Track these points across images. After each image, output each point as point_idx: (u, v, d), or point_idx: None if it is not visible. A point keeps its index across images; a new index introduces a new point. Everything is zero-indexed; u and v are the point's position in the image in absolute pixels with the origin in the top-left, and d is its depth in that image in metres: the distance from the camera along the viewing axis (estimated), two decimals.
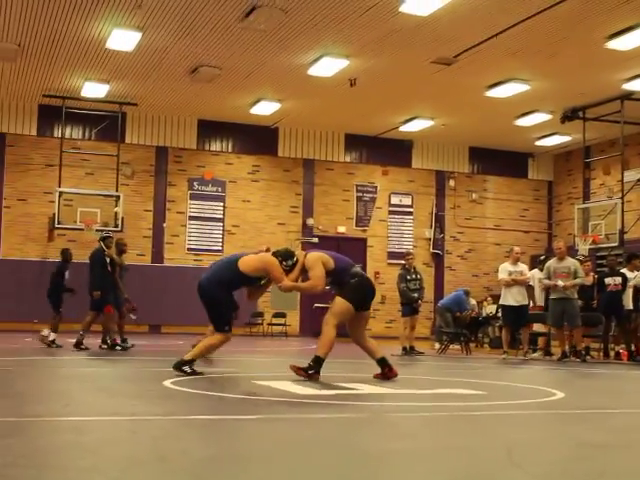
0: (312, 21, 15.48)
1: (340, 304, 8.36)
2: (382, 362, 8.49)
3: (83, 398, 6.53)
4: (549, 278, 14.27)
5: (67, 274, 14.44)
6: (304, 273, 8.53)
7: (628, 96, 19.01)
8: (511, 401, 7.18)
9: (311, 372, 8.07)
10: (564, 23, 15.30)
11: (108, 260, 13.68)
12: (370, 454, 4.13)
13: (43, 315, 20.94)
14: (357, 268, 8.67)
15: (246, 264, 8.48)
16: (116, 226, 21.41)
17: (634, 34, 15.53)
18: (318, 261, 8.41)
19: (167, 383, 7.33)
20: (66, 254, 14.59)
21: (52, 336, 13.70)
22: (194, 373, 8.26)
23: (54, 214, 20.93)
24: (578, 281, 14.13)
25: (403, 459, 4.03)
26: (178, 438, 4.53)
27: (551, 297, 14.34)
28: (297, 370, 8.14)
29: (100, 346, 13.46)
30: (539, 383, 9.12)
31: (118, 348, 13.36)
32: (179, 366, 8.32)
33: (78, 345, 13.11)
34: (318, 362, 8.14)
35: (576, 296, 14.25)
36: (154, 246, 22.97)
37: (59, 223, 20.95)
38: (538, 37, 16.07)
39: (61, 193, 21.05)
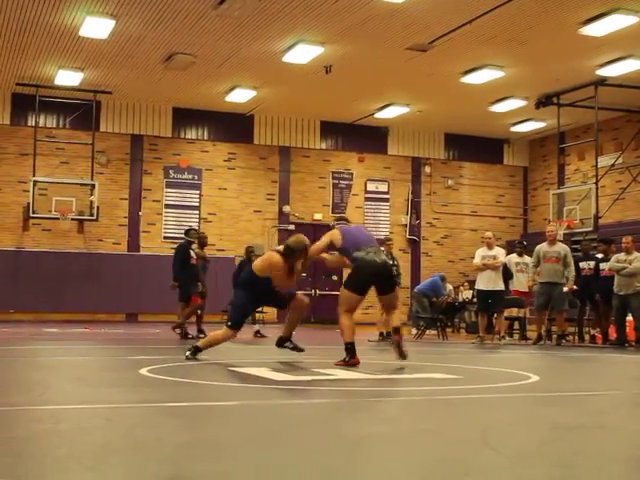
0: (287, 8, 15.44)
1: (341, 292, 8.68)
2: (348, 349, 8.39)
3: (60, 387, 6.51)
4: (538, 262, 14.35)
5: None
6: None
7: (602, 82, 19.12)
8: (486, 385, 7.23)
9: (347, 359, 8.27)
10: (538, 9, 15.35)
11: (193, 253, 14.05)
12: (347, 439, 4.14)
13: (19, 305, 21.03)
14: (362, 252, 8.43)
15: (255, 265, 8.84)
16: (92, 215, 21.35)
17: (607, 20, 15.60)
18: (327, 235, 8.80)
19: (143, 371, 7.32)
20: (250, 252, 15.09)
21: (256, 327, 15.16)
22: (190, 357, 8.67)
23: (29, 203, 20.82)
24: (572, 278, 14.21)
25: (380, 443, 4.05)
26: (153, 425, 4.53)
27: (539, 281, 14.44)
28: (338, 363, 8.32)
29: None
30: (514, 367, 9.18)
31: (190, 336, 13.50)
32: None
33: (185, 335, 13.47)
34: (347, 349, 8.34)
35: (563, 280, 14.31)
36: (130, 235, 22.87)
37: (34, 212, 20.84)
38: (512, 23, 16.12)
39: (35, 182, 20.94)
